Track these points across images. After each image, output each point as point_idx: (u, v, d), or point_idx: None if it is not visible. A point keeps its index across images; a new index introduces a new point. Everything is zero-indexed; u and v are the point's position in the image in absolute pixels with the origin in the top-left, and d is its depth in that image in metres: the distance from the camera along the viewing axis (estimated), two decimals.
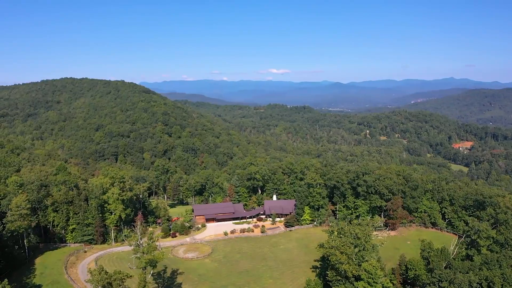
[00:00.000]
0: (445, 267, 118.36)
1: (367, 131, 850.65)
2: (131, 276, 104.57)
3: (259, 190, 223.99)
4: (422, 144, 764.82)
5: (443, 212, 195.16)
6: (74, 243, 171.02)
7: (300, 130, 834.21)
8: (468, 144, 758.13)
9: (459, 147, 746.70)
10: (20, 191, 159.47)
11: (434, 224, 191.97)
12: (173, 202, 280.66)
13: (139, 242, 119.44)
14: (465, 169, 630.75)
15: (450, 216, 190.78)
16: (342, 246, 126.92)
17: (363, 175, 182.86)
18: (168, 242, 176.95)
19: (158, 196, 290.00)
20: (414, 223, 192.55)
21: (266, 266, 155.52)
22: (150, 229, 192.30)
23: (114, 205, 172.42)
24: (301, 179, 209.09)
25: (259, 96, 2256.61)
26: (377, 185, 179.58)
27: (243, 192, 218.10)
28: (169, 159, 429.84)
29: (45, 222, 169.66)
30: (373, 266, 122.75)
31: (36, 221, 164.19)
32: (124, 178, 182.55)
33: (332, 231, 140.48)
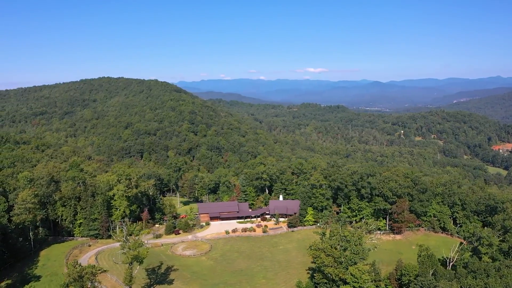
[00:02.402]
0: (432, 274, 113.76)
1: (402, 131, 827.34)
2: (105, 270, 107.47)
3: (266, 190, 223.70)
4: (459, 145, 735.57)
5: (454, 216, 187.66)
6: (81, 237, 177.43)
7: (331, 129, 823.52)
8: (510, 146, 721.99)
9: (499, 149, 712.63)
10: (29, 185, 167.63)
11: (444, 229, 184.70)
12: (188, 199, 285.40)
13: (125, 238, 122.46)
14: (504, 172, 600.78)
15: (461, 221, 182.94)
16: (330, 248, 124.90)
17: (367, 177, 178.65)
18: (170, 239, 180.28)
19: (175, 194, 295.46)
20: (422, 227, 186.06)
21: (262, 266, 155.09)
22: (157, 225, 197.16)
23: (119, 201, 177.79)
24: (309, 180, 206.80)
25: (296, 95, 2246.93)
26: (381, 187, 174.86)
27: (250, 192, 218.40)
28: (193, 157, 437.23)
29: (54, 216, 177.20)
30: (359, 270, 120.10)
31: (45, 215, 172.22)
32: (130, 175, 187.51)
33: (323, 233, 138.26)
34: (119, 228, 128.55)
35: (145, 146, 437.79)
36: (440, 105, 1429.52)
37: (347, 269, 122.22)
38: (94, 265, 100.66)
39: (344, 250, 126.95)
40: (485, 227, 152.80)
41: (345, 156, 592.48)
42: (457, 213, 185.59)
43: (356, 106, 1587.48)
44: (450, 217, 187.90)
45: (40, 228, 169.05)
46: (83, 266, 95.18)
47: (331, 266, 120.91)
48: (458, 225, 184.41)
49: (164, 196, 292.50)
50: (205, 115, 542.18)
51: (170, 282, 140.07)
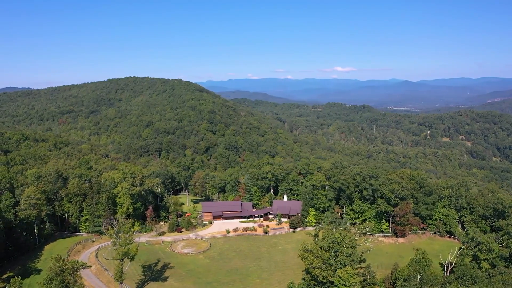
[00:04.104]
0: (420, 279, 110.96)
1: (428, 132, 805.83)
2: (89, 266, 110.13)
3: (272, 190, 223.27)
4: (488, 147, 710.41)
5: (462, 220, 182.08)
6: (87, 232, 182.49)
7: (354, 129, 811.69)
8: None
9: None
10: (37, 182, 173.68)
11: (450, 233, 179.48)
12: (200, 198, 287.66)
13: (116, 235, 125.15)
14: None
15: (469, 225, 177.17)
16: (318, 250, 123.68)
17: (370, 179, 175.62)
18: (172, 237, 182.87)
19: (188, 193, 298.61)
20: (427, 230, 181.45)
21: (258, 266, 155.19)
22: (161, 223, 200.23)
23: (122, 199, 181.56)
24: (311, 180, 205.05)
25: (323, 94, 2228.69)
26: (383, 190, 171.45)
27: (255, 191, 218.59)
28: (211, 156, 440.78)
29: (61, 212, 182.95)
30: (347, 273, 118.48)
31: (52, 211, 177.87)
32: (134, 173, 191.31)
33: (316, 234, 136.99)
34: (110, 224, 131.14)
35: (163, 145, 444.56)
36: (472, 105, 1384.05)
37: (336, 271, 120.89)
38: (77, 260, 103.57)
39: (335, 252, 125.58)
40: (492, 232, 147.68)
41: (366, 156, 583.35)
42: (465, 217, 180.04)
43: (384, 106, 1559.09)
44: (458, 221, 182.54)
45: (47, 224, 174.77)
46: (65, 261, 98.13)
47: (319, 268, 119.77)
48: (465, 230, 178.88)
49: (177, 195, 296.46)
50: (224, 115, 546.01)
51: (165, 279, 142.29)
